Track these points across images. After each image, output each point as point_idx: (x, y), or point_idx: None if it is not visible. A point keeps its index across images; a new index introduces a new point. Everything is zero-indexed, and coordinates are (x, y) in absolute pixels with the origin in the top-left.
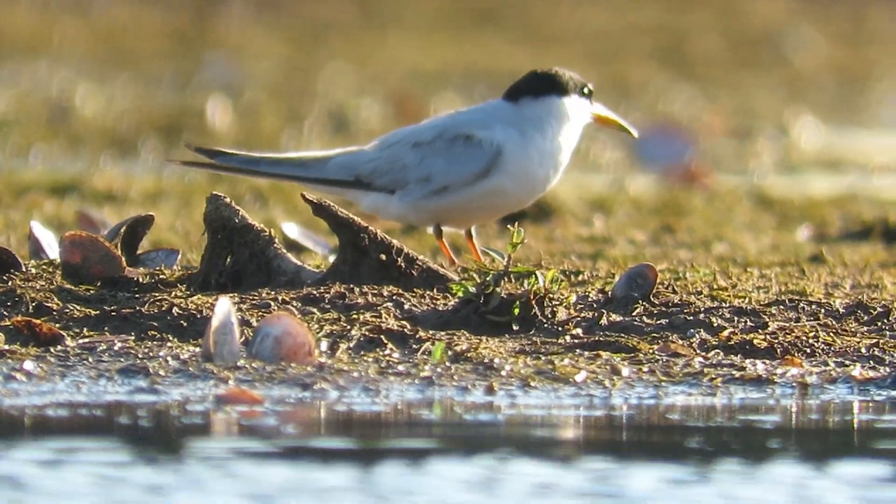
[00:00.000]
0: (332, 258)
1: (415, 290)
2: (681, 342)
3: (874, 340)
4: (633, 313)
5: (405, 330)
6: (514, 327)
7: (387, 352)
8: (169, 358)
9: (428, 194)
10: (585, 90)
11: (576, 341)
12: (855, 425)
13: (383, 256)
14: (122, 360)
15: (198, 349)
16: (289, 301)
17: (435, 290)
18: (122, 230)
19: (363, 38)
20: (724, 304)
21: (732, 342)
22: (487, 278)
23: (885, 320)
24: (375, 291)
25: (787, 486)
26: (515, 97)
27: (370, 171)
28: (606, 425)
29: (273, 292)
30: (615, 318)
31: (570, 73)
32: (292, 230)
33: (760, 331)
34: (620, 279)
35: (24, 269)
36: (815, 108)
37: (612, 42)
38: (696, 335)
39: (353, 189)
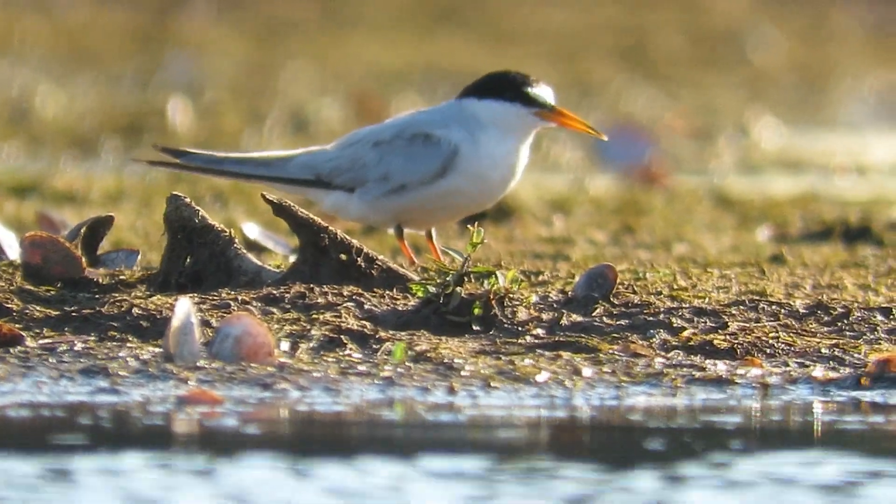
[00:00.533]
0: (292, 258)
1: (375, 290)
2: (641, 343)
3: (835, 341)
4: (594, 314)
5: (365, 330)
6: (475, 327)
7: (347, 352)
8: (129, 358)
9: (386, 193)
10: (540, 92)
11: (536, 341)
12: (816, 426)
13: (343, 256)
14: (82, 360)
15: (158, 350)
16: (249, 301)
17: (395, 291)
18: (82, 230)
19: (324, 38)
20: (684, 305)
21: (693, 343)
22: (447, 278)
23: (846, 321)
24: (336, 291)
25: (748, 487)
26: (468, 98)
27: (330, 169)
28: (568, 426)
29: (233, 292)
30: (575, 318)
31: (522, 74)
32: (252, 230)
33: (721, 331)
34: (580, 279)
35: None
36: (776, 107)
37: (573, 41)
38: (657, 336)
39: (314, 188)
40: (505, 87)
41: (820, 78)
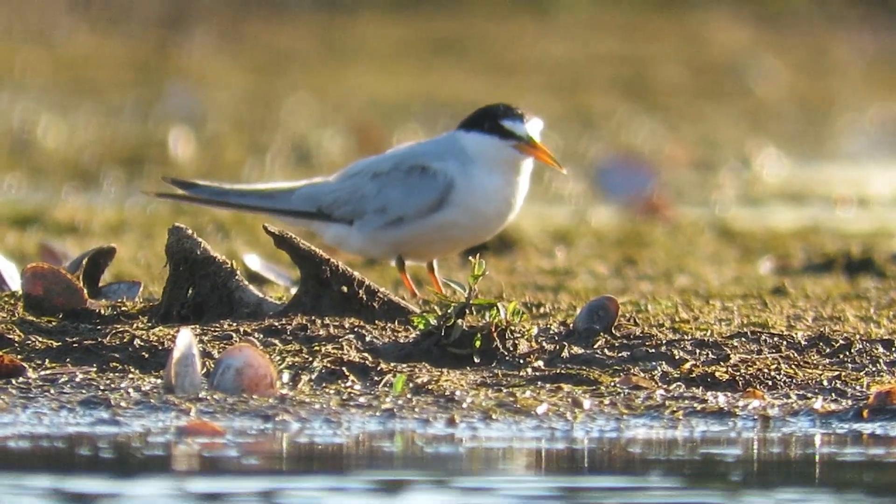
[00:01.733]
0: (293, 290)
1: (376, 322)
2: (642, 375)
3: (836, 373)
4: (595, 346)
5: (367, 362)
6: (476, 360)
7: (348, 384)
8: (130, 389)
9: (384, 225)
10: (520, 124)
11: (537, 374)
12: (817, 458)
13: (345, 288)
14: (83, 391)
15: (159, 381)
16: (250, 332)
17: (396, 323)
18: (84, 262)
19: (325, 69)
20: (685, 337)
21: (694, 374)
22: (449, 310)
23: (847, 353)
24: (337, 323)
25: None
26: (458, 131)
27: (331, 201)
28: (567, 458)
29: (235, 324)
30: (577, 350)
31: (507, 107)
32: (254, 262)
33: (722, 363)
34: (582, 311)
35: None
36: (778, 138)
37: (574, 72)
38: (658, 368)
39: (316, 220)
40: (485, 120)
41: (821, 109)
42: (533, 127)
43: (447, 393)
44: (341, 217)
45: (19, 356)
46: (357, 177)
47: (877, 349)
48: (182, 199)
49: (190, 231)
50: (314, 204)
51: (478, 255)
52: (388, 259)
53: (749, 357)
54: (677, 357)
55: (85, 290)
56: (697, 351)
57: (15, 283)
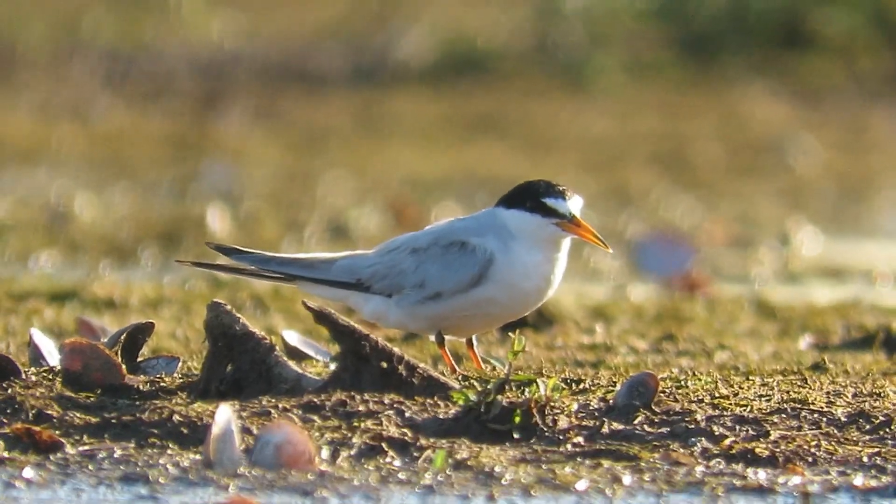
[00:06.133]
0: (332, 366)
1: (416, 397)
2: (682, 451)
3: (876, 449)
4: (635, 422)
5: (406, 438)
6: (516, 436)
7: (388, 459)
8: (169, 465)
9: (423, 300)
10: (562, 202)
11: (577, 450)
12: None
13: (384, 364)
14: (122, 467)
15: (198, 457)
16: (290, 409)
17: (436, 398)
18: (122, 337)
19: (361, 146)
20: (725, 413)
21: (734, 451)
22: (488, 386)
23: (888, 429)
24: (376, 399)
25: None
26: (498, 208)
27: (370, 274)
28: None
29: (274, 400)
30: (616, 426)
31: (548, 184)
32: (293, 338)
33: (762, 439)
34: (622, 387)
35: (24, 377)
36: (816, 215)
37: (612, 149)
38: (698, 444)
39: (355, 290)
40: (526, 198)
41: (859, 186)
42: (574, 204)
43: (487, 469)
44: (380, 290)
45: (58, 432)
46: (395, 252)
47: None
48: (217, 269)
49: (229, 307)
50: (353, 275)
51: (517, 330)
52: (428, 334)
53: (789, 433)
54: (717, 433)
55: (123, 366)
56: (737, 427)
57: (53, 359)
